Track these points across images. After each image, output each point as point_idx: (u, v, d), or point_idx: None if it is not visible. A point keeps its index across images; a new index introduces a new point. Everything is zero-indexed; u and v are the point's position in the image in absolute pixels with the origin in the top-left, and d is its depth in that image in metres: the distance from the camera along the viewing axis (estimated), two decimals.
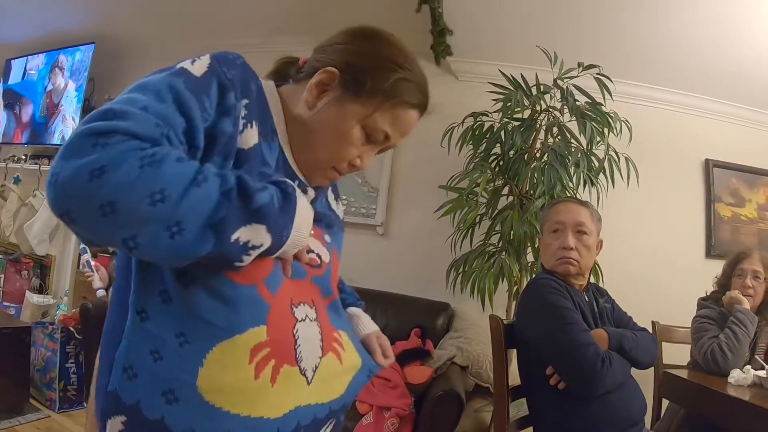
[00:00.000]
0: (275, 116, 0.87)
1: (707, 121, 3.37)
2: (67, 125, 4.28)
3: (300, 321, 0.83)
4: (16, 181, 4.41)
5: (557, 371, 1.59)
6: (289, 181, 0.77)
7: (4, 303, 3.93)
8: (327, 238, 0.95)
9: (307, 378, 0.83)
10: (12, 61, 4.87)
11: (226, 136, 0.74)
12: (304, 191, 0.87)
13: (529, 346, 1.70)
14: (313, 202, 0.90)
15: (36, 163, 4.43)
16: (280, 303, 0.81)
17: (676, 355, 2.53)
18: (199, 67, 0.76)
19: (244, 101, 0.78)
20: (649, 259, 3.12)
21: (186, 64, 0.76)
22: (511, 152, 2.54)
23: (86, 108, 4.22)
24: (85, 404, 2.98)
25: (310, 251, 0.88)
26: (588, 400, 1.55)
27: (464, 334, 2.70)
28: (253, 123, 0.79)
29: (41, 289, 4.28)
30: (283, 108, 0.89)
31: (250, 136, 0.78)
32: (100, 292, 2.76)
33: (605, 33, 2.90)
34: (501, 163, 2.59)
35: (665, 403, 2.39)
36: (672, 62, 3.08)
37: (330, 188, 1.03)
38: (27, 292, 3.91)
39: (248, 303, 0.77)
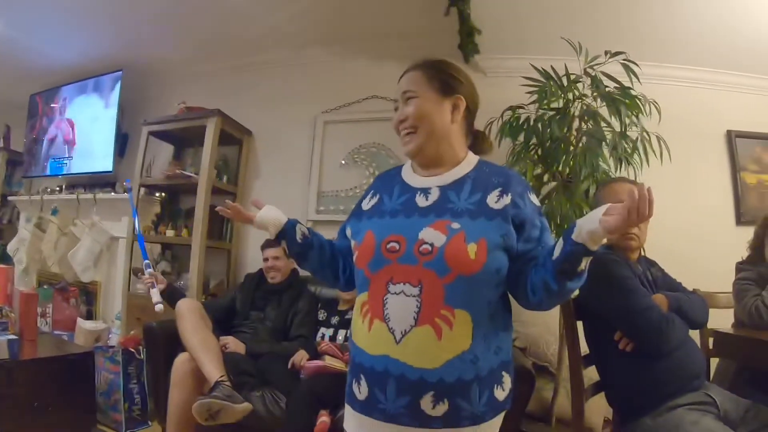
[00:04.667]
0: (403, 174, 1.47)
1: (726, 93, 3.60)
2: (97, 155, 4.56)
3: (392, 294, 1.23)
4: (54, 212, 4.64)
5: (627, 335, 1.82)
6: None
7: (56, 332, 4.09)
8: (455, 225, 1.24)
9: (394, 336, 1.21)
10: (36, 96, 5.13)
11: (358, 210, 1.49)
12: (426, 196, 1.35)
13: (598, 316, 1.91)
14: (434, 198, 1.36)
15: (72, 193, 4.68)
16: (378, 279, 1.26)
17: (719, 320, 2.72)
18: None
19: (372, 191, 1.49)
20: (683, 231, 3.28)
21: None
22: (548, 141, 2.78)
23: (118, 136, 4.48)
24: (149, 423, 3.17)
25: (423, 243, 1.23)
26: (655, 358, 1.77)
27: (518, 317, 2.91)
28: (374, 195, 1.47)
29: (90, 315, 4.52)
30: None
31: (372, 203, 1.45)
32: (159, 307, 2.60)
33: (622, 18, 3.13)
34: (540, 152, 2.82)
35: (713, 364, 2.61)
36: (687, 40, 3.31)
37: (475, 186, 1.35)
38: (78, 318, 4.12)
39: (361, 278, 1.32)
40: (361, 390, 1.27)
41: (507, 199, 1.29)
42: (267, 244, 3.20)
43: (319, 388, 2.43)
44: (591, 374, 2.04)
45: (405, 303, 1.21)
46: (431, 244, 1.22)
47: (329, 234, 1.62)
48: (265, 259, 3.15)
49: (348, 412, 1.35)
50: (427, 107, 1.36)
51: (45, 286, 4.54)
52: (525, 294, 1.27)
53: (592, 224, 1.09)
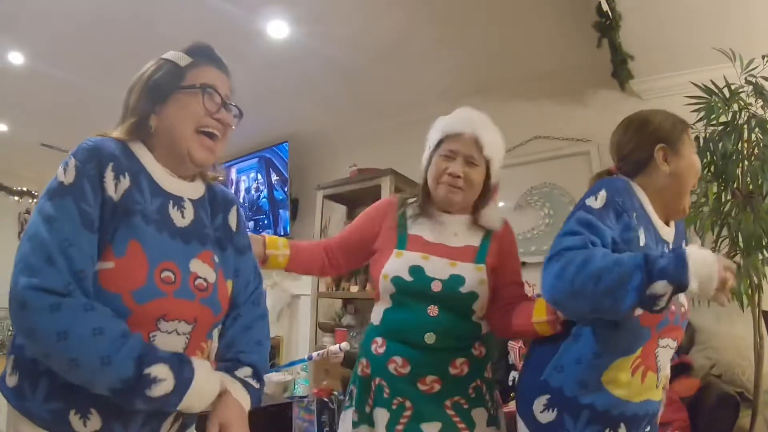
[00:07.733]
0: (645, 205, 1.46)
1: None
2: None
3: (661, 347, 1.42)
4: None
5: None
6: None
7: None
8: None
9: (658, 381, 1.44)
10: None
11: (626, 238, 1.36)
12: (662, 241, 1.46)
13: None
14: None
15: None
16: (654, 334, 1.38)
17: None
18: (597, 203, 1.36)
19: (633, 213, 1.38)
20: None
21: (590, 201, 1.38)
22: (716, 156, 2.71)
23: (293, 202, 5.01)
24: None
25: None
26: None
27: (709, 344, 2.87)
28: (641, 228, 1.38)
29: (272, 367, 4.98)
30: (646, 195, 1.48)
31: (641, 234, 1.37)
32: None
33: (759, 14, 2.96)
34: (713, 169, 2.75)
35: None
36: None
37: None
38: None
39: (637, 334, 1.36)
40: None
41: None
42: None
43: None
44: None
45: (668, 354, 1.47)
46: (682, 305, 1.46)
47: None
48: None
49: None
50: None
51: None
52: None
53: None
